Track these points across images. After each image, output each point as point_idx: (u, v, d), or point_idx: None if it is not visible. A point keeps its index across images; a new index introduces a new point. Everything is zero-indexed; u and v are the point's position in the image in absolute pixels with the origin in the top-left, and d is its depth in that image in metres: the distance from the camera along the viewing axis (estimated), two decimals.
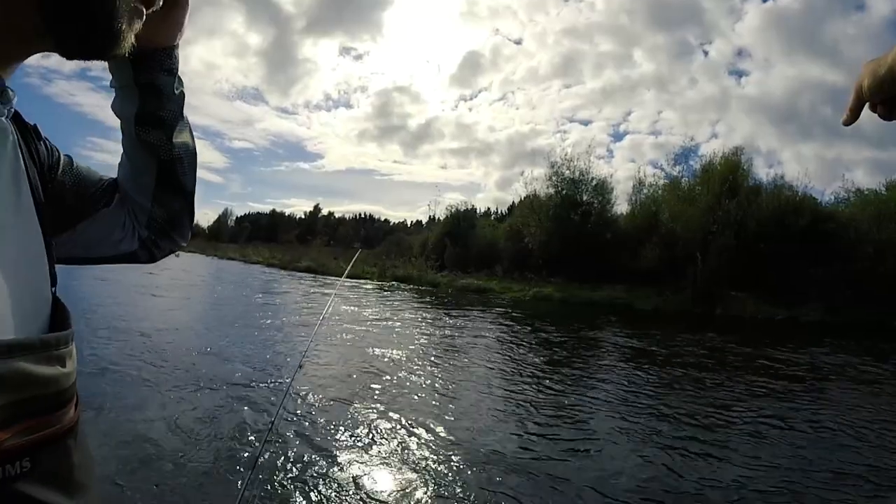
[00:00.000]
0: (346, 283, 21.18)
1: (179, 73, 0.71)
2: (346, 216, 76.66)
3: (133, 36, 0.51)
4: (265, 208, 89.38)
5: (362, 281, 22.02)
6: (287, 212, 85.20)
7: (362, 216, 77.43)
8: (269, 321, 10.64)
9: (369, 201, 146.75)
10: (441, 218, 31.10)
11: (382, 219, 76.59)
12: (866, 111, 0.68)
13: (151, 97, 0.68)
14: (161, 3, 0.56)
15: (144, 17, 0.53)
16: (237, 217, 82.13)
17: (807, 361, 8.87)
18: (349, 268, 3.73)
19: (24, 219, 0.46)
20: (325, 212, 76.15)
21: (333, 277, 24.18)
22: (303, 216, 76.81)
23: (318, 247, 44.83)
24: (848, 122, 0.71)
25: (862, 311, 14.53)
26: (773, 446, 4.80)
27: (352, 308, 13.30)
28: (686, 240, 18.65)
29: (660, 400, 6.18)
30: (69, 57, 0.50)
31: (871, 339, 11.47)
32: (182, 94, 0.72)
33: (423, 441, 4.52)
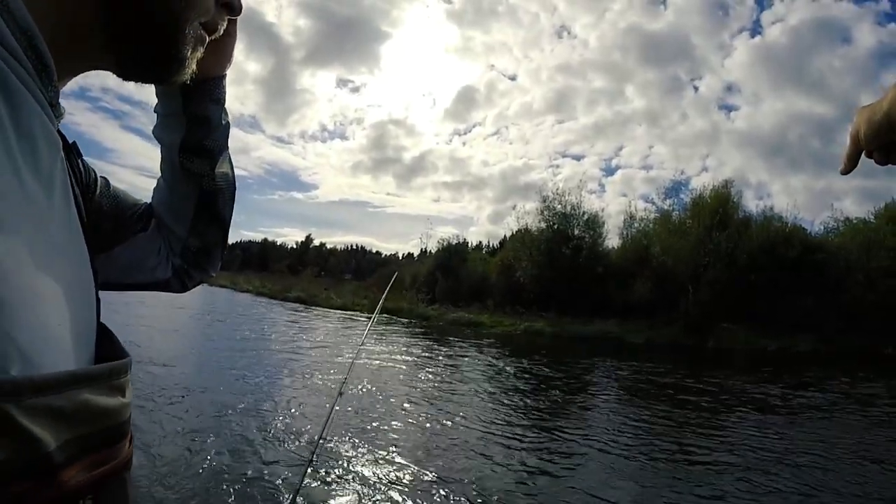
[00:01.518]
0: (335, 315, 20.99)
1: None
2: (338, 247, 76.70)
3: (194, 64, 0.51)
4: (257, 236, 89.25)
5: (352, 313, 21.83)
6: (279, 241, 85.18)
7: (354, 248, 77.48)
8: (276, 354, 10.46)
9: (362, 233, 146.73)
10: (433, 251, 31.16)
11: (374, 251, 76.57)
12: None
13: (199, 126, 0.67)
14: (222, 31, 0.56)
15: (206, 44, 0.53)
16: (229, 244, 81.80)
17: (800, 393, 8.77)
18: (385, 294, 3.45)
19: (75, 238, 0.43)
20: (316, 242, 76.13)
21: (325, 308, 23.99)
22: (294, 246, 76.84)
23: (308, 277, 44.64)
24: (846, 171, 0.69)
25: (854, 340, 14.53)
26: (770, 481, 4.68)
27: (351, 340, 13.09)
28: (677, 273, 18.71)
29: (649, 436, 6.05)
30: (126, 78, 0.49)
31: (865, 367, 11.43)
32: (227, 125, 0.71)
33: (425, 477, 4.48)
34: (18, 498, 0.30)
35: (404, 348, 13.12)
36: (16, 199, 0.34)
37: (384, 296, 3.34)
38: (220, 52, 0.62)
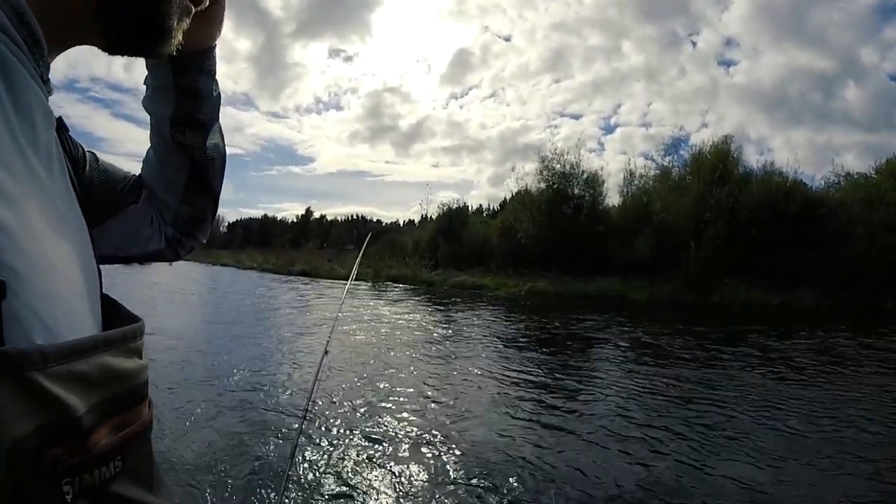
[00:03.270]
0: (336, 285, 21.12)
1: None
2: (339, 218, 76.36)
3: (180, 35, 0.51)
4: (257, 213, 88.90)
5: (357, 283, 21.92)
6: (279, 216, 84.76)
7: (355, 217, 77.19)
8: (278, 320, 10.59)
9: (362, 203, 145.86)
10: (433, 216, 31.11)
11: (375, 219, 76.21)
12: None
13: (190, 99, 0.66)
14: (208, 2, 0.55)
15: (192, 15, 0.52)
16: (229, 223, 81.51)
17: (803, 348, 8.88)
18: (360, 254, 3.56)
19: (75, 211, 0.44)
20: (317, 215, 75.75)
21: (330, 281, 24.15)
22: (295, 220, 76.49)
23: (310, 250, 44.63)
24: None
25: (856, 294, 14.60)
26: (771, 437, 4.79)
27: (356, 309, 13.22)
28: (678, 229, 18.67)
29: (658, 392, 6.16)
30: (112, 52, 0.48)
31: (866, 321, 11.51)
32: (219, 96, 0.70)
33: (425, 437, 4.58)
34: (53, 464, 0.30)
35: (409, 313, 13.27)
36: (22, 174, 0.35)
37: (360, 255, 3.42)
38: (208, 23, 0.61)
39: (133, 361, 0.40)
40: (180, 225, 0.74)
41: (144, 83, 0.67)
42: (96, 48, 0.49)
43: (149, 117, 0.69)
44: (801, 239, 16.62)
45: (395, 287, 21.24)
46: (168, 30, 0.48)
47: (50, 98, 0.44)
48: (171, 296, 16.51)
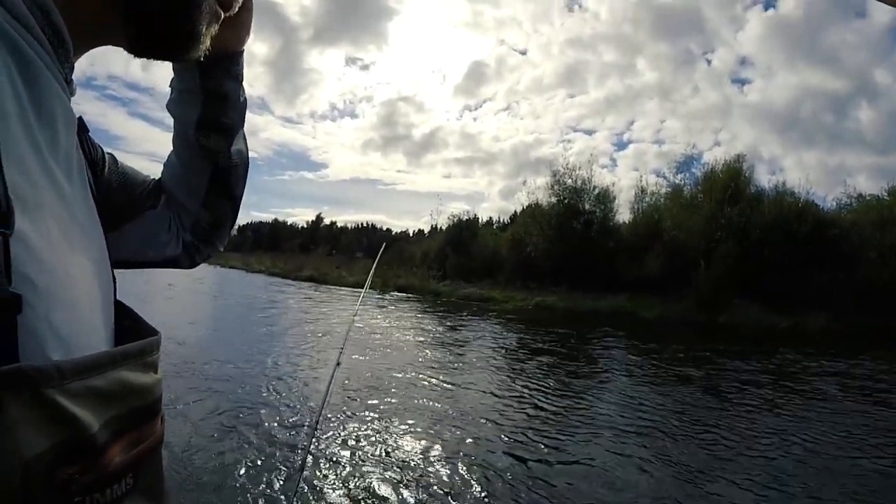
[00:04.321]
0: (342, 292, 21.15)
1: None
2: (349, 225, 76.55)
3: (209, 40, 0.50)
4: (268, 217, 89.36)
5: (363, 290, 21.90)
6: (289, 221, 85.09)
7: (365, 225, 77.35)
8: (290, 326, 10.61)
9: (372, 211, 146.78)
10: (443, 227, 31.14)
11: (385, 228, 76.30)
12: None
13: (217, 102, 0.65)
14: (237, 7, 0.54)
15: (221, 20, 0.52)
16: (240, 226, 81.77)
17: (811, 372, 8.76)
18: (375, 264, 3.58)
19: (93, 218, 0.43)
20: (327, 221, 76.01)
21: (337, 287, 24.19)
22: (305, 225, 76.76)
23: (320, 256, 44.78)
24: None
25: (867, 317, 14.39)
26: (774, 461, 4.72)
27: (365, 318, 13.20)
28: (689, 248, 18.55)
29: (663, 413, 6.10)
30: (138, 55, 0.48)
31: (879, 345, 11.35)
32: (245, 102, 0.69)
33: (433, 449, 4.58)
34: (67, 482, 0.30)
35: (415, 324, 13.24)
36: (41, 181, 0.34)
37: (374, 266, 3.44)
38: (237, 27, 0.60)
39: (149, 376, 0.39)
40: (199, 231, 0.73)
41: (170, 86, 0.67)
42: (120, 48, 0.48)
43: (170, 120, 0.68)
44: (813, 260, 16.47)
45: (403, 297, 21.20)
46: (197, 35, 0.48)
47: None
48: (178, 294, 16.56)
